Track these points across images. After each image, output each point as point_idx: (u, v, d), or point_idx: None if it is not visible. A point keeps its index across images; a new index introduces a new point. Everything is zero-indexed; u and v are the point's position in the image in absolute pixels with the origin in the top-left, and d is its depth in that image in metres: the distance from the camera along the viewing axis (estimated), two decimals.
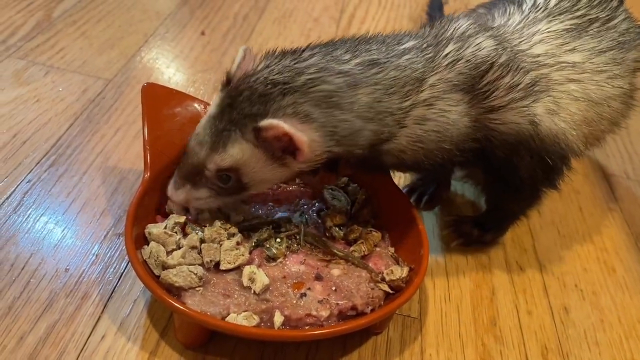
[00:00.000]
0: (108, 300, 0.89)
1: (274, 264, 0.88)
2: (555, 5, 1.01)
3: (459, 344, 0.94)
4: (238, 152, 0.82)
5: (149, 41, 1.56)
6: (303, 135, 0.78)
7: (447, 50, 0.88)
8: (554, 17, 0.99)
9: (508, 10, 1.02)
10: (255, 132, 0.79)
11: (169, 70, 1.48)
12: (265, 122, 0.78)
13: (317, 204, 1.02)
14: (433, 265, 1.06)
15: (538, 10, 1.00)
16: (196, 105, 1.02)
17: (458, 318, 0.98)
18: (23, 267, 0.92)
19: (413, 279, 0.89)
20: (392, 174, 1.04)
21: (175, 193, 0.88)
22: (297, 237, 0.92)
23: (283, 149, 0.81)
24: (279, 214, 0.96)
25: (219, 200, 0.89)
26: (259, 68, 0.83)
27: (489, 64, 0.88)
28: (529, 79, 0.90)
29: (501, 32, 0.95)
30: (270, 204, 1.00)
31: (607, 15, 1.02)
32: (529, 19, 0.98)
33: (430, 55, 0.87)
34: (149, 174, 0.93)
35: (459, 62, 0.87)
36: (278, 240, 0.91)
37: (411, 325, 0.95)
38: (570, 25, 0.98)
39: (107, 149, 1.18)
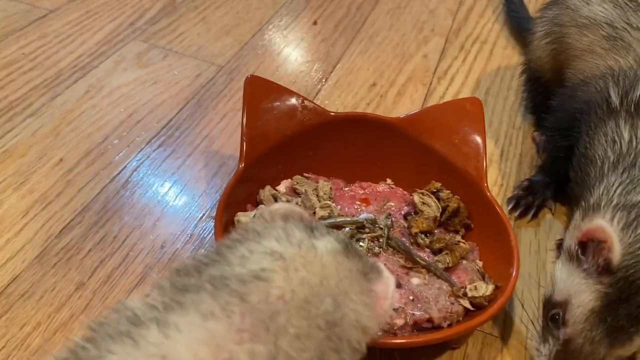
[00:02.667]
0: None
1: None
2: None
3: None
4: None
5: (262, 29, 1.60)
6: None
7: None
8: None
9: None
10: None
11: (279, 58, 1.51)
12: None
13: (405, 207, 1.00)
14: (525, 284, 1.00)
15: None
16: (294, 100, 1.03)
17: None
18: (124, 240, 0.99)
19: (498, 297, 0.84)
20: (487, 183, 0.99)
21: None
22: (380, 239, 0.91)
23: None
24: (365, 215, 0.95)
25: None
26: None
27: None
28: None
29: None
30: (358, 203, 1.00)
31: None
32: None
33: None
34: (243, 164, 0.96)
35: None
36: (361, 242, 0.90)
37: (492, 344, 0.91)
38: None
39: (212, 134, 1.23)
